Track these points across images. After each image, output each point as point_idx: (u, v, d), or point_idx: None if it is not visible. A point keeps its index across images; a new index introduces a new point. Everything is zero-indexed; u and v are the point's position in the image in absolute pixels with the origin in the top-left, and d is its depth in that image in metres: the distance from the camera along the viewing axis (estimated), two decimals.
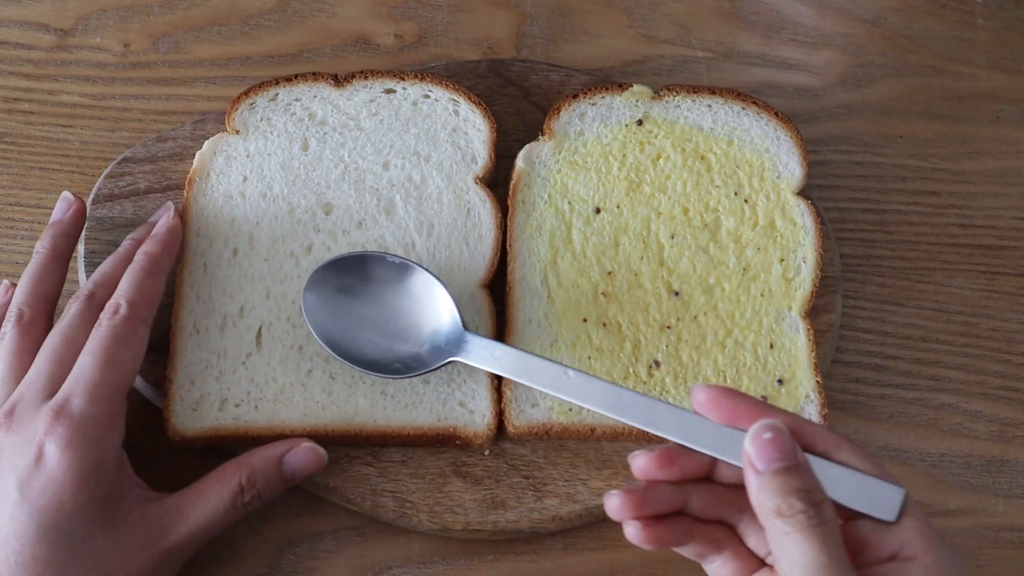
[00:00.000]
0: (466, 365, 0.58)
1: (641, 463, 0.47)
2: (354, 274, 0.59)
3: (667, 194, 0.63)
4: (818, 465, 0.45)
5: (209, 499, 0.54)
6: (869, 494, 0.45)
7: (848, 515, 0.46)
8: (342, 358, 0.58)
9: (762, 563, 0.48)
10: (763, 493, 0.44)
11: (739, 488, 0.46)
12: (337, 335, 0.58)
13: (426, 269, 0.59)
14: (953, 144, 0.71)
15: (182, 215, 0.62)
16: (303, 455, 0.56)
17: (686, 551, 0.48)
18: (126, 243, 0.59)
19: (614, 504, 0.46)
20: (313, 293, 0.59)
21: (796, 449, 0.44)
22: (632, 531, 0.46)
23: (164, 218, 0.60)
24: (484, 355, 0.56)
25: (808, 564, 0.42)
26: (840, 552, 0.43)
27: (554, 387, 0.53)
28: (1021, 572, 0.61)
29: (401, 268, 0.59)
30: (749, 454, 0.44)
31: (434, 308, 0.58)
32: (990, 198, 0.70)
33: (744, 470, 0.45)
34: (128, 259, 0.58)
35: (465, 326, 0.57)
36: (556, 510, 0.59)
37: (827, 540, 0.42)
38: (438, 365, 0.57)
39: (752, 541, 0.48)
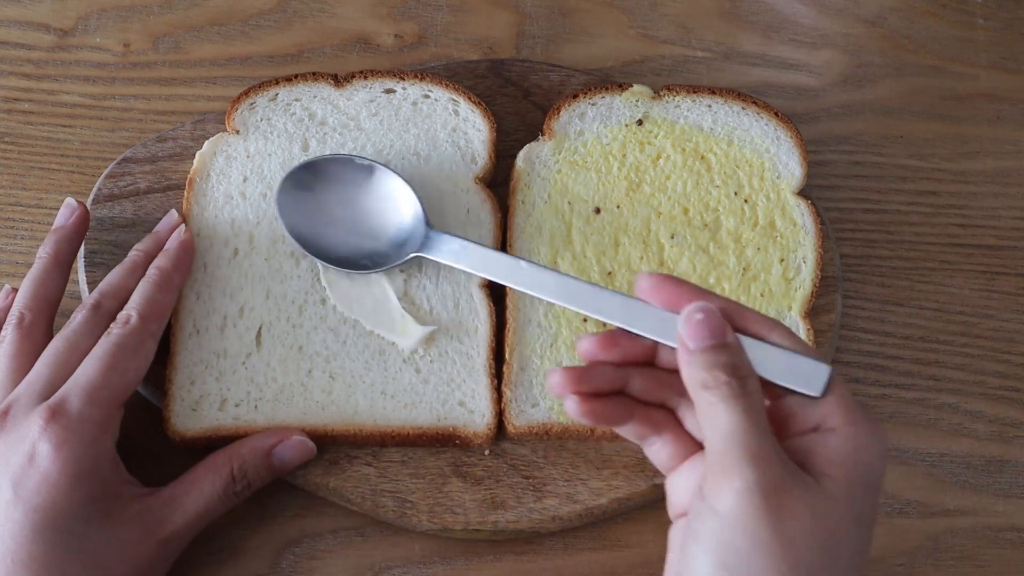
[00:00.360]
0: (463, 357, 0.59)
1: (584, 344, 0.49)
2: (324, 177, 0.62)
3: (667, 194, 0.63)
4: (749, 345, 0.47)
5: (203, 489, 0.55)
6: (796, 371, 0.46)
7: (777, 395, 0.47)
8: (314, 256, 0.61)
9: (699, 446, 0.49)
10: (692, 368, 0.46)
11: (678, 373, 0.47)
12: (308, 235, 0.61)
13: (393, 171, 0.61)
14: (953, 144, 0.71)
15: (182, 215, 0.62)
16: (292, 448, 0.57)
17: (626, 431, 0.50)
18: (133, 254, 0.60)
19: (555, 379, 0.48)
20: (285, 195, 0.61)
21: (725, 329, 0.46)
22: (572, 405, 0.48)
23: (176, 232, 0.61)
24: (443, 250, 0.59)
25: (729, 430, 0.44)
26: (761, 420, 0.45)
27: (508, 278, 0.56)
28: (1021, 572, 0.61)
29: (369, 170, 0.62)
30: (681, 334, 0.46)
31: (399, 207, 0.61)
32: (990, 198, 0.70)
33: (677, 349, 0.47)
34: (136, 270, 0.59)
35: (430, 224, 0.60)
36: (556, 510, 0.59)
37: (749, 409, 0.44)
38: (403, 260, 0.60)
39: (690, 424, 0.50)
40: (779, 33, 0.74)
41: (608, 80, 0.68)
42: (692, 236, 0.63)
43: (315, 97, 0.65)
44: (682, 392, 0.48)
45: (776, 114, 0.65)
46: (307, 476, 0.59)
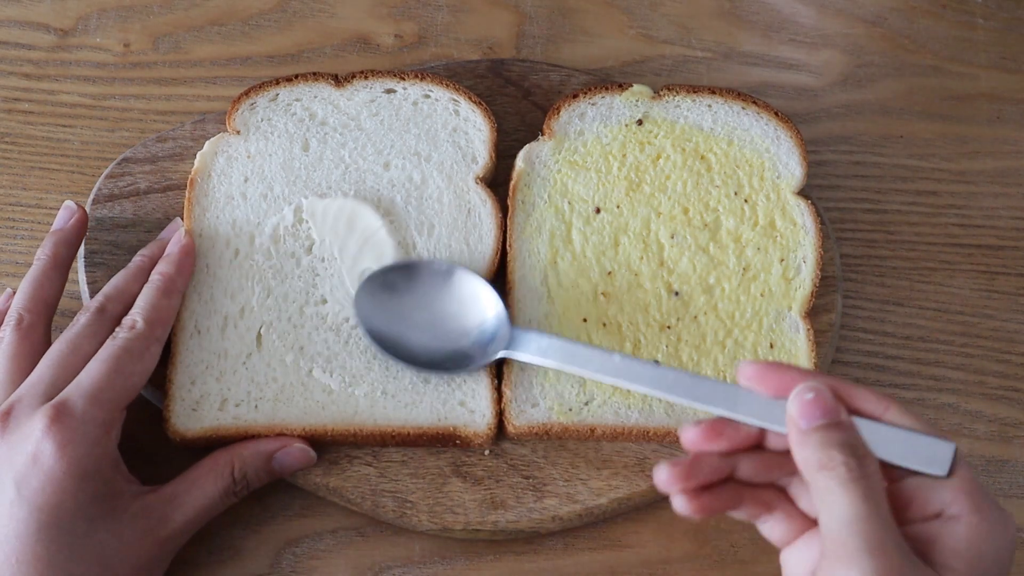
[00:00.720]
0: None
1: (690, 435, 0.47)
2: (403, 281, 0.60)
3: (667, 194, 0.63)
4: (866, 426, 0.45)
5: (204, 488, 0.55)
6: (918, 450, 0.45)
7: (896, 477, 0.46)
8: (398, 360, 0.59)
9: (814, 522, 0.47)
10: (806, 448, 0.44)
11: (788, 454, 0.46)
12: (389, 339, 0.59)
13: (472, 272, 0.60)
14: (953, 144, 0.71)
15: (183, 215, 0.63)
16: (293, 455, 0.58)
17: (737, 514, 0.48)
18: (137, 259, 0.60)
19: (662, 476, 0.46)
20: (364, 300, 0.60)
21: (839, 408, 0.45)
22: (680, 503, 0.46)
23: (176, 237, 0.61)
24: (532, 348, 0.57)
25: (848, 516, 0.42)
26: (882, 505, 0.43)
27: (603, 373, 0.55)
28: (1021, 572, 0.61)
29: (447, 273, 0.60)
30: (792, 414, 0.45)
31: (480, 307, 0.60)
32: (990, 198, 0.70)
33: (788, 430, 0.46)
34: (139, 275, 0.59)
35: (512, 323, 0.59)
36: (556, 510, 0.59)
37: (868, 493, 0.43)
38: (489, 360, 0.59)
39: (803, 503, 0.48)
40: (779, 33, 0.74)
41: (608, 80, 0.68)
42: (692, 236, 0.63)
43: (316, 97, 0.65)
44: (792, 471, 0.47)
45: (776, 114, 0.65)
46: (307, 476, 0.59)
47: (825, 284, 0.63)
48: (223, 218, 0.62)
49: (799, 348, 0.61)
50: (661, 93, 0.65)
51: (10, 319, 0.57)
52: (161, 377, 0.59)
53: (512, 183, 0.64)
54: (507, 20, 0.74)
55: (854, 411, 0.46)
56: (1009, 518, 0.45)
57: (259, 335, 0.60)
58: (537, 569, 0.60)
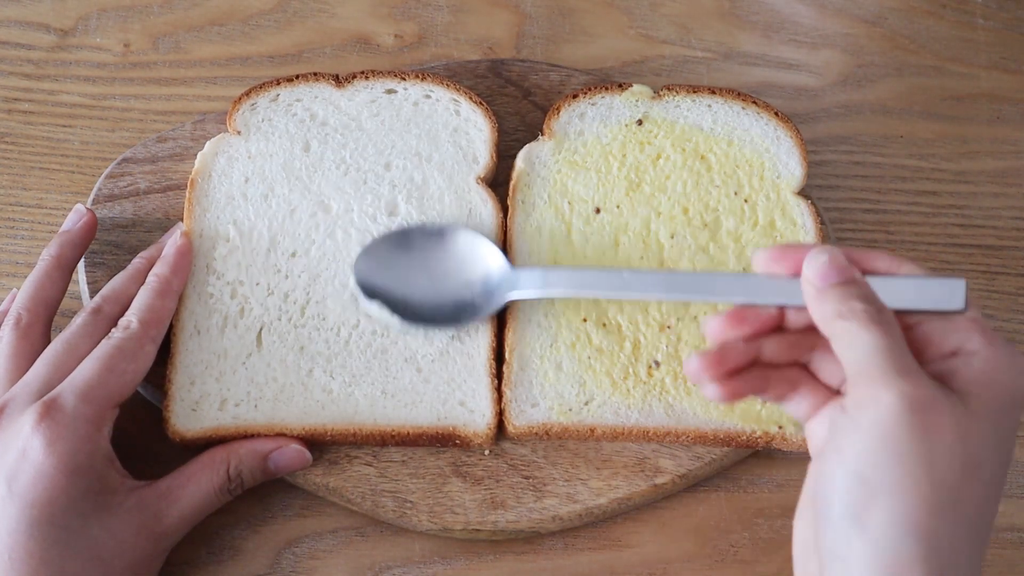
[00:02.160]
0: (464, 357, 0.60)
1: (712, 325, 0.50)
2: (399, 248, 0.61)
3: (667, 194, 0.63)
4: (879, 282, 0.47)
5: (200, 484, 0.56)
6: (932, 292, 0.47)
7: (911, 325, 0.48)
8: (410, 322, 0.59)
9: (836, 392, 0.49)
10: (824, 304, 0.47)
11: (809, 329, 0.48)
12: (396, 303, 0.60)
13: (461, 226, 0.61)
14: (953, 144, 0.71)
15: (183, 216, 0.62)
16: (289, 456, 0.58)
17: (765, 397, 0.50)
18: (136, 261, 0.60)
19: (693, 366, 0.48)
20: (365, 272, 0.60)
21: (851, 268, 0.47)
22: (711, 390, 0.48)
23: (173, 239, 0.61)
24: (537, 284, 0.58)
25: (872, 348, 0.44)
26: (900, 340, 0.45)
27: (616, 290, 0.56)
28: (1021, 572, 0.61)
29: (441, 232, 0.61)
30: (808, 276, 0.48)
31: (480, 258, 0.60)
32: (990, 198, 0.70)
33: (804, 295, 0.48)
34: (137, 277, 0.59)
35: (511, 265, 0.60)
36: (556, 510, 0.59)
37: (889, 329, 0.45)
38: (499, 306, 0.59)
39: (825, 374, 0.50)
40: (779, 33, 0.74)
41: (608, 80, 0.68)
42: (692, 236, 0.63)
43: (316, 98, 0.65)
44: (813, 346, 0.49)
45: (776, 114, 0.65)
46: (307, 476, 0.59)
47: None
48: (223, 219, 0.62)
49: None
50: (661, 93, 0.65)
51: (9, 318, 0.57)
52: (161, 377, 0.59)
53: (512, 183, 0.64)
54: (507, 20, 0.74)
55: (867, 271, 0.48)
56: (1020, 355, 0.46)
57: (259, 335, 0.60)
58: (537, 569, 0.60)
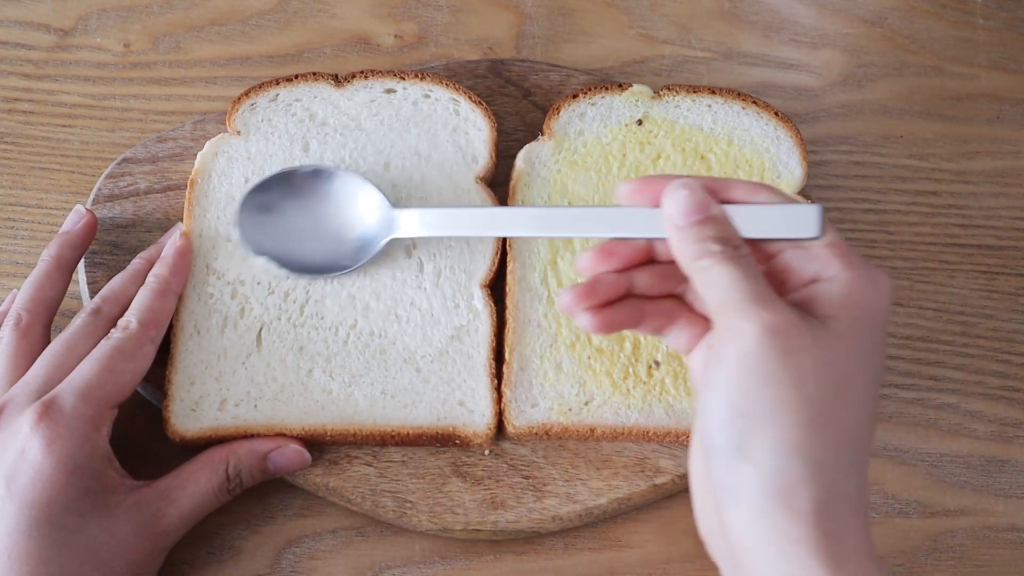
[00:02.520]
0: (463, 357, 0.59)
1: (583, 261, 0.51)
2: (277, 194, 0.61)
3: None
4: (735, 211, 0.48)
5: (198, 484, 0.56)
6: (787, 219, 0.47)
7: (772, 255, 0.48)
8: (292, 271, 0.60)
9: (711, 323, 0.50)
10: (683, 244, 0.47)
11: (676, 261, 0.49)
12: (279, 254, 0.60)
13: (339, 167, 0.61)
14: (953, 144, 0.71)
15: (183, 216, 0.63)
16: (288, 456, 0.58)
17: (642, 329, 0.51)
18: (136, 262, 0.60)
19: (565, 299, 0.49)
20: (246, 223, 0.61)
21: (709, 201, 0.47)
22: (585, 321, 0.49)
23: (172, 239, 0.61)
24: (415, 224, 0.59)
25: (729, 283, 0.45)
26: (758, 274, 0.46)
27: (487, 228, 0.56)
28: (1021, 572, 0.61)
29: (316, 175, 0.61)
30: (668, 213, 0.48)
31: (360, 201, 0.61)
32: (990, 198, 0.70)
33: (667, 233, 0.48)
34: (137, 277, 0.59)
35: (395, 206, 0.60)
36: (556, 510, 0.59)
37: (745, 264, 0.46)
38: (378, 247, 0.60)
39: (700, 305, 0.51)
40: (779, 33, 0.74)
41: (608, 80, 0.68)
42: None
43: (316, 97, 0.65)
44: (684, 278, 0.49)
45: (776, 114, 0.65)
46: (307, 476, 0.59)
47: None
48: (223, 219, 0.62)
49: None
50: (661, 93, 0.65)
51: (9, 319, 0.57)
52: (161, 377, 0.59)
53: (512, 183, 0.64)
54: (507, 20, 0.74)
55: (726, 200, 0.48)
56: (882, 273, 0.47)
57: (259, 335, 0.60)
58: (537, 569, 0.60)
